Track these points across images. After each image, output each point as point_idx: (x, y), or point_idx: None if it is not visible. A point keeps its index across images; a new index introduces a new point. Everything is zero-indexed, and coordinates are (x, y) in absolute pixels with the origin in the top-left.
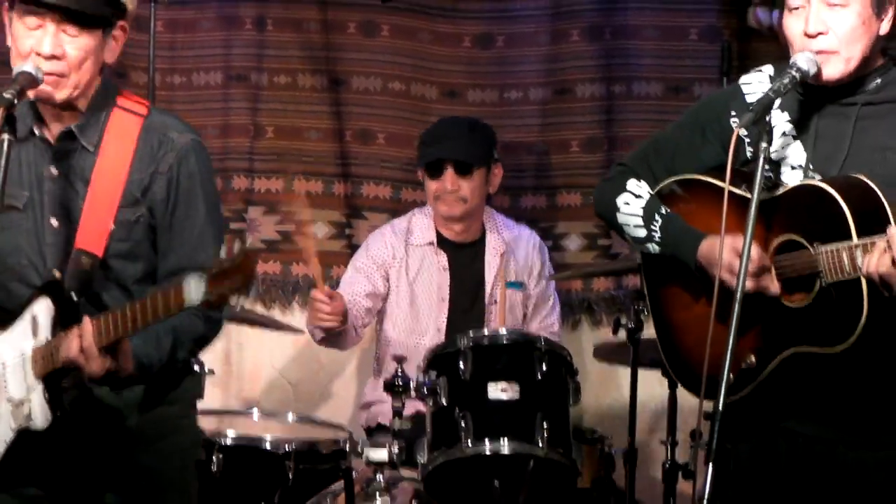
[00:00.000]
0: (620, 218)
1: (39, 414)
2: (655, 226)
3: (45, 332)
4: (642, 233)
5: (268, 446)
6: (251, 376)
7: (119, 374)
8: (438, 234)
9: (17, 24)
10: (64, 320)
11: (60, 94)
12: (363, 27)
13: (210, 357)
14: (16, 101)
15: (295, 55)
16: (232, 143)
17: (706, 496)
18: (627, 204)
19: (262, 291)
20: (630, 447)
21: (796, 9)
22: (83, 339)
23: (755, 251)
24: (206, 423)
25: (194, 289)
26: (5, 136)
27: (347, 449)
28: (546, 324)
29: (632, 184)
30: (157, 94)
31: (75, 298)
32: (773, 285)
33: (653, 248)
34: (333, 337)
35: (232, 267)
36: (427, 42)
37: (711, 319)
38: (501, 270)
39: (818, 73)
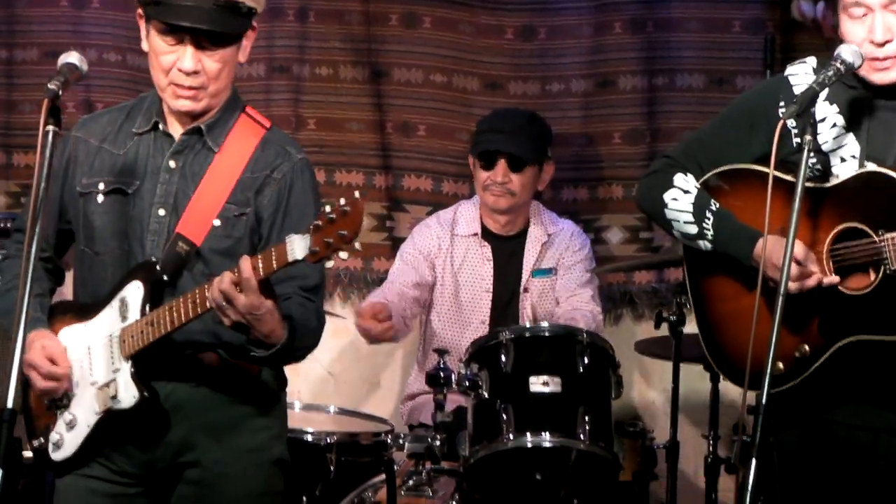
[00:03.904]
0: (669, 214)
1: (125, 393)
2: (707, 223)
3: (134, 313)
4: (693, 229)
5: (309, 438)
6: (292, 366)
7: (269, 337)
8: (483, 226)
9: (156, 39)
10: (154, 302)
11: (199, 105)
12: (405, 19)
13: None
14: (60, 93)
15: (337, 47)
16: None
17: (749, 490)
18: (676, 200)
19: None
20: (672, 441)
21: (858, 17)
22: (241, 267)
23: (801, 249)
24: None
25: (298, 246)
26: (51, 128)
27: (389, 441)
28: (578, 291)
29: (679, 178)
30: None
31: (166, 279)
32: (827, 278)
33: (704, 245)
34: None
35: (340, 216)
36: (469, 34)
37: (755, 315)
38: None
39: (869, 76)
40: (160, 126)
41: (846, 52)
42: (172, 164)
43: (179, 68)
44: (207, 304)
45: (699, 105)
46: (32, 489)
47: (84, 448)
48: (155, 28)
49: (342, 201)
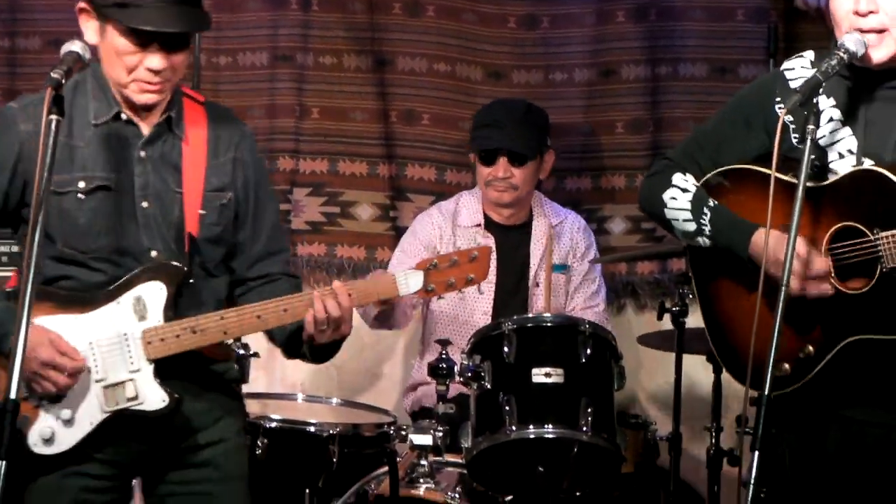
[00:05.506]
0: (668, 213)
1: (152, 396)
2: (704, 219)
3: (156, 314)
4: (692, 227)
5: (312, 430)
6: (294, 361)
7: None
8: (486, 217)
9: (118, 39)
10: (177, 304)
11: (164, 96)
12: (408, 7)
13: (255, 340)
14: (63, 82)
15: (340, 36)
16: (278, 123)
17: (752, 482)
18: (674, 199)
19: (306, 273)
20: (674, 432)
21: None
22: (341, 299)
23: (803, 245)
24: (251, 407)
25: (412, 281)
26: (54, 117)
27: (392, 433)
28: (591, 303)
29: (678, 178)
30: (203, 74)
31: (192, 282)
32: (825, 285)
33: (703, 241)
34: (385, 318)
35: (466, 261)
36: (472, 23)
37: (757, 311)
38: (549, 257)
39: (866, 56)
40: (122, 115)
41: (849, 41)
42: (143, 154)
43: (148, 68)
44: (278, 321)
45: (702, 94)
46: None
47: (80, 444)
48: (116, 28)
49: (466, 246)
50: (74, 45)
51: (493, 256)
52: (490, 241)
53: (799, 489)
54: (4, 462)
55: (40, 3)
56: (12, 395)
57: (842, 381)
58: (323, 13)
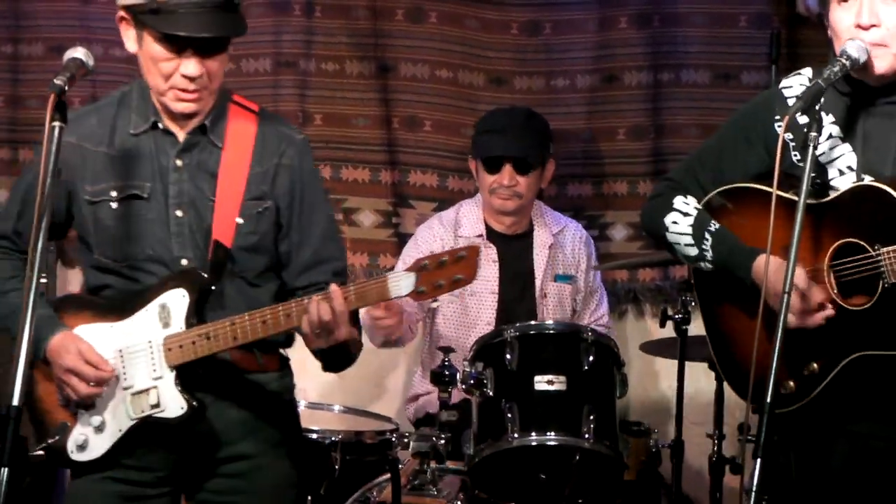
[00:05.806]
0: (670, 237)
1: (172, 403)
2: (706, 244)
3: (178, 321)
4: (693, 252)
5: (314, 437)
6: (298, 366)
7: (351, 350)
8: (487, 227)
9: (154, 45)
10: (200, 311)
11: (202, 105)
12: (411, 14)
13: None
14: (66, 88)
15: (343, 42)
16: None
17: (754, 490)
18: (675, 223)
19: None
20: (676, 440)
21: (846, 1)
22: (335, 303)
23: (802, 279)
24: None
25: (404, 283)
26: (57, 124)
27: (394, 440)
28: (596, 317)
29: (678, 201)
30: None
31: (213, 288)
32: (828, 312)
33: (705, 266)
34: (392, 339)
35: (453, 262)
36: (474, 29)
37: (758, 329)
38: (552, 270)
39: (869, 63)
40: (159, 125)
41: (851, 48)
42: (179, 162)
43: (184, 74)
44: (282, 326)
45: (704, 101)
46: (38, 487)
47: (112, 451)
48: (151, 35)
49: (454, 246)
50: (77, 52)
51: (496, 267)
52: (492, 252)
53: (810, 496)
54: (6, 469)
55: (43, 9)
56: (15, 403)
57: (847, 396)
58: (326, 19)
